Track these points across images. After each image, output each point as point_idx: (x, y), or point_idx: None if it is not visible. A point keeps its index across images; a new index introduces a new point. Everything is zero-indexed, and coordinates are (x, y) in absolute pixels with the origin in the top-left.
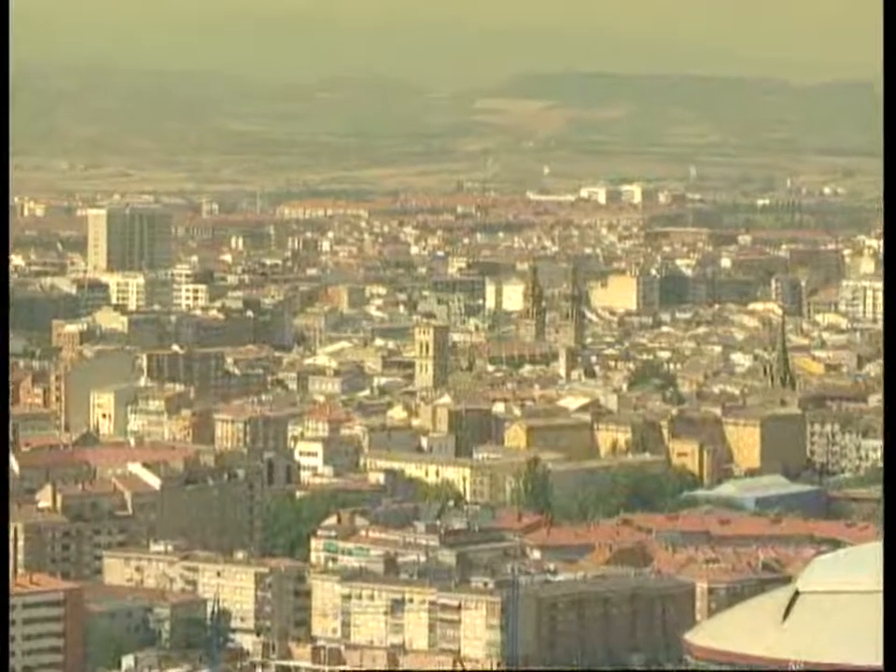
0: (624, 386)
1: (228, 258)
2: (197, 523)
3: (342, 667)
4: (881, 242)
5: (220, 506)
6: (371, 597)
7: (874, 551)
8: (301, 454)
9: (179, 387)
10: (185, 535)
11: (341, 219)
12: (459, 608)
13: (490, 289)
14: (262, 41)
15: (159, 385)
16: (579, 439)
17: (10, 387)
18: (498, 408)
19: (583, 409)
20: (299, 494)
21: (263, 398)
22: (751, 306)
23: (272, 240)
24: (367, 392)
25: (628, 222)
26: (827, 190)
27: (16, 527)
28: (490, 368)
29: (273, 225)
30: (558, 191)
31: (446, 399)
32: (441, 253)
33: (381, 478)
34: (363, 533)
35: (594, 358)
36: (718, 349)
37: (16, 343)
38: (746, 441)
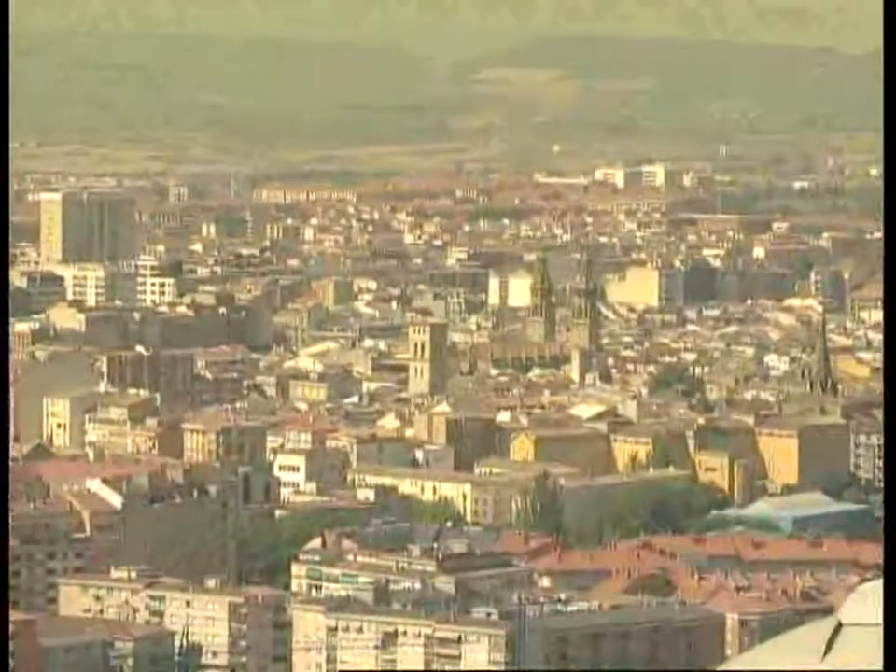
0: (645, 392)
1: (198, 247)
2: (164, 546)
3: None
4: None
5: (190, 527)
6: (360, 630)
7: None
8: (280, 468)
9: (144, 393)
10: (150, 559)
11: (325, 204)
12: (459, 641)
13: (494, 283)
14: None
15: (120, 391)
16: (593, 451)
17: (10, 388)
18: (503, 417)
19: (599, 418)
20: (278, 513)
21: (238, 405)
22: (788, 302)
23: (248, 227)
24: (355, 399)
25: (649, 207)
26: (874, 172)
27: None
28: (493, 371)
29: (250, 210)
30: (570, 173)
31: (444, 406)
32: (438, 242)
33: (371, 495)
34: (351, 557)
35: (610, 361)
36: (750, 350)
37: None
38: (782, 454)
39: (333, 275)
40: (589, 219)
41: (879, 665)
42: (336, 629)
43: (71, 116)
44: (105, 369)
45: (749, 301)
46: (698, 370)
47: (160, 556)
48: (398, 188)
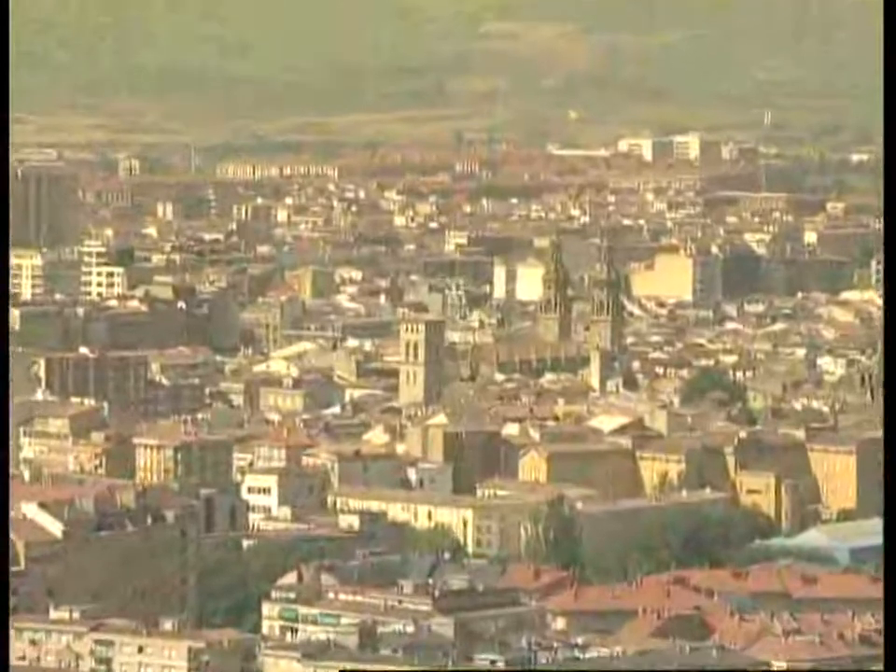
0: (676, 401)
1: (153, 231)
2: (112, 581)
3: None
4: None
5: (143, 559)
6: None
7: None
8: (249, 490)
9: (89, 402)
10: (96, 597)
11: (302, 181)
12: None
13: (499, 273)
14: None
15: (62, 400)
16: (616, 470)
17: (10, 388)
18: (510, 430)
19: (622, 431)
20: (247, 543)
21: (200, 416)
22: (845, 295)
23: (211, 208)
24: (336, 409)
25: (681, 184)
26: None
27: None
28: (499, 376)
29: (213, 188)
30: (589, 144)
31: (441, 417)
32: (434, 225)
33: (355, 522)
34: (332, 595)
35: (636, 364)
36: (800, 352)
37: None
38: (838, 474)
39: (311, 264)
40: (611, 198)
41: None
42: None
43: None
44: (42, 373)
45: (800, 295)
46: (739, 374)
47: (107, 594)
48: (386, 161)
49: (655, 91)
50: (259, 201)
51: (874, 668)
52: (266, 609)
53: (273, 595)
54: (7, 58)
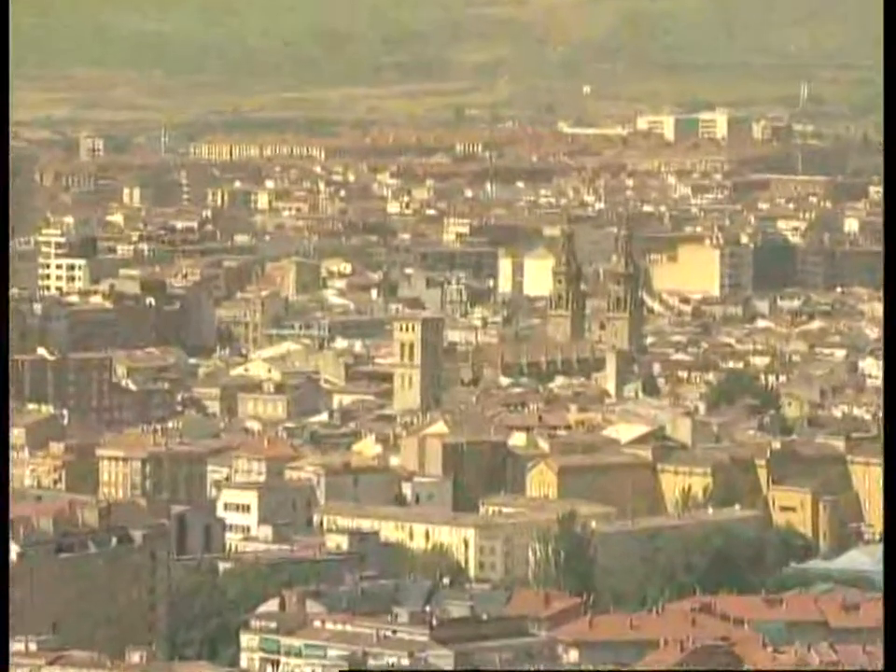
0: (702, 408)
1: (118, 218)
2: (73, 609)
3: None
4: None
5: (107, 584)
6: None
7: None
8: (226, 507)
9: (47, 409)
10: (55, 627)
11: (285, 162)
12: None
13: (505, 265)
14: None
15: (17, 407)
16: (635, 485)
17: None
18: (517, 440)
19: (641, 441)
20: (223, 566)
21: (171, 425)
22: None
23: (183, 193)
24: (323, 416)
25: (708, 166)
26: None
27: None
28: (504, 381)
29: (186, 171)
30: (604, 122)
31: (440, 426)
32: (432, 212)
33: (343, 543)
34: (318, 624)
35: (656, 367)
36: (840, 353)
37: None
38: (882, 490)
39: (295, 255)
40: (629, 182)
41: None
42: None
43: None
44: None
45: (839, 290)
46: (772, 378)
47: (68, 623)
48: (379, 140)
49: (678, 63)
50: (237, 185)
51: (874, 669)
52: (245, 639)
53: (253, 624)
54: (7, 58)
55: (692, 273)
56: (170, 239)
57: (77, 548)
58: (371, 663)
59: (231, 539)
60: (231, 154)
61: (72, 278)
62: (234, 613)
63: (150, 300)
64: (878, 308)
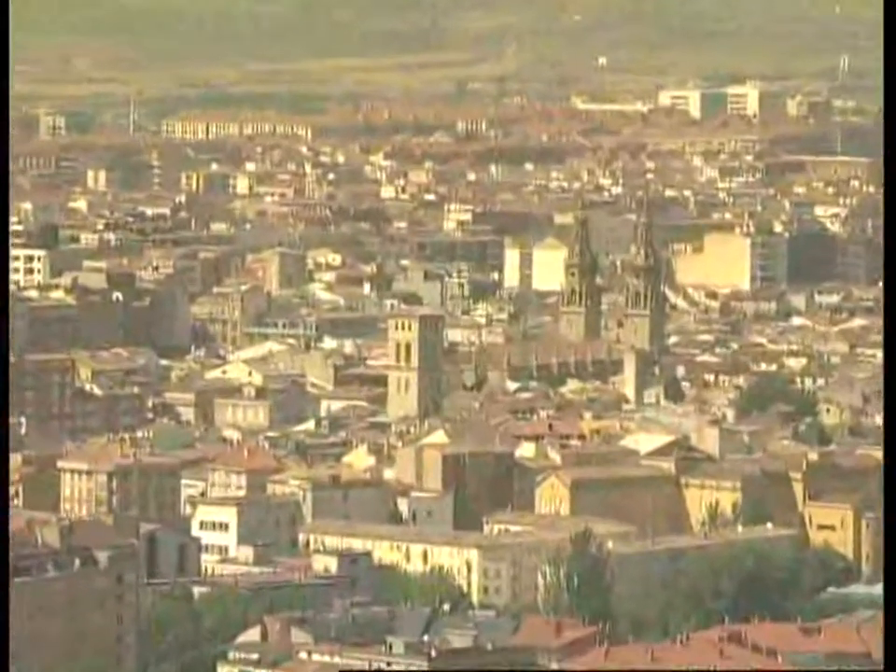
0: (731, 415)
1: (82, 204)
2: (32, 639)
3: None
4: None
5: (70, 611)
6: None
7: None
8: (202, 526)
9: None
10: (13, 658)
11: (267, 142)
12: None
13: (512, 256)
14: None
15: None
16: (656, 501)
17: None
18: (526, 451)
19: (663, 452)
20: (199, 591)
21: (140, 434)
22: None
23: (154, 176)
24: (309, 424)
25: (738, 146)
26: None
27: None
28: (511, 385)
29: (157, 151)
30: (622, 97)
31: (439, 435)
32: (430, 197)
33: (332, 565)
34: (304, 655)
35: (680, 370)
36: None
37: None
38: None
39: (278, 245)
40: (650, 164)
41: None
42: None
43: None
44: None
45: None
46: (808, 382)
47: (25, 656)
48: (372, 118)
49: (704, 31)
50: (214, 167)
51: (874, 668)
52: None
53: (232, 655)
54: (7, 58)
55: (719, 266)
56: (139, 227)
57: (36, 571)
58: None
59: (208, 560)
60: (206, 133)
61: (30, 271)
62: (211, 644)
63: (117, 295)
64: None
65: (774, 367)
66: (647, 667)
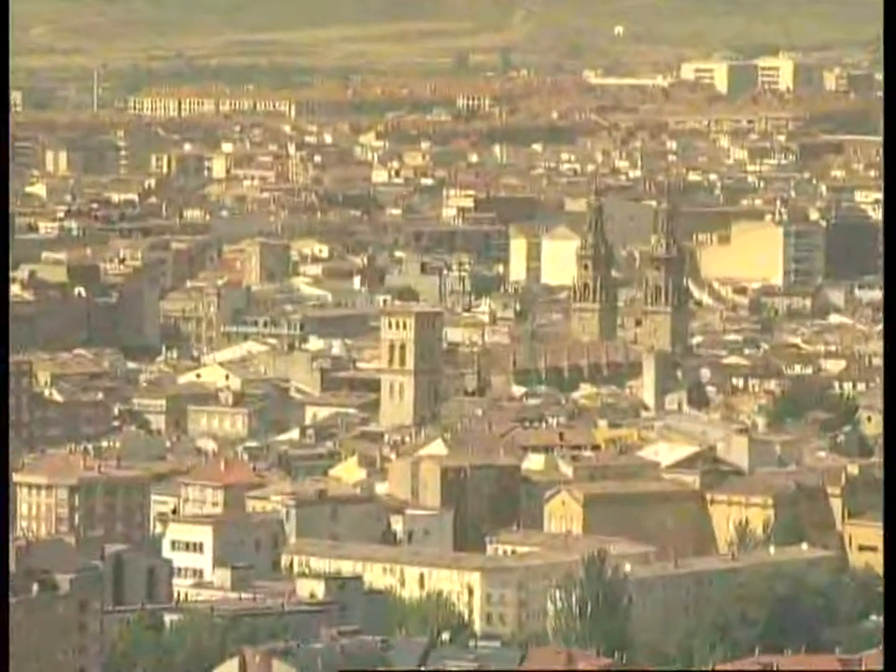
0: (761, 424)
1: (40, 190)
2: None
3: None
4: None
5: (27, 640)
6: None
7: None
8: (174, 547)
9: None
10: None
11: (247, 120)
12: None
13: (518, 247)
14: None
15: None
16: (679, 519)
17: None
18: (533, 463)
19: (687, 464)
20: (170, 619)
21: (105, 444)
22: None
23: (121, 157)
24: (293, 434)
25: (769, 125)
26: None
27: None
28: (517, 390)
29: (124, 130)
30: (641, 70)
31: (437, 446)
32: (427, 181)
33: (319, 589)
34: None
35: (705, 373)
36: None
37: None
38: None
39: (259, 235)
40: (671, 144)
41: None
42: None
43: None
44: None
45: None
46: (847, 387)
47: None
48: (364, 93)
49: None
50: (188, 148)
51: (874, 668)
52: None
53: None
54: (6, 58)
55: (749, 257)
56: (104, 215)
57: None
58: None
59: (180, 585)
60: (179, 110)
61: None
62: None
63: (80, 290)
64: None
65: (809, 370)
66: None
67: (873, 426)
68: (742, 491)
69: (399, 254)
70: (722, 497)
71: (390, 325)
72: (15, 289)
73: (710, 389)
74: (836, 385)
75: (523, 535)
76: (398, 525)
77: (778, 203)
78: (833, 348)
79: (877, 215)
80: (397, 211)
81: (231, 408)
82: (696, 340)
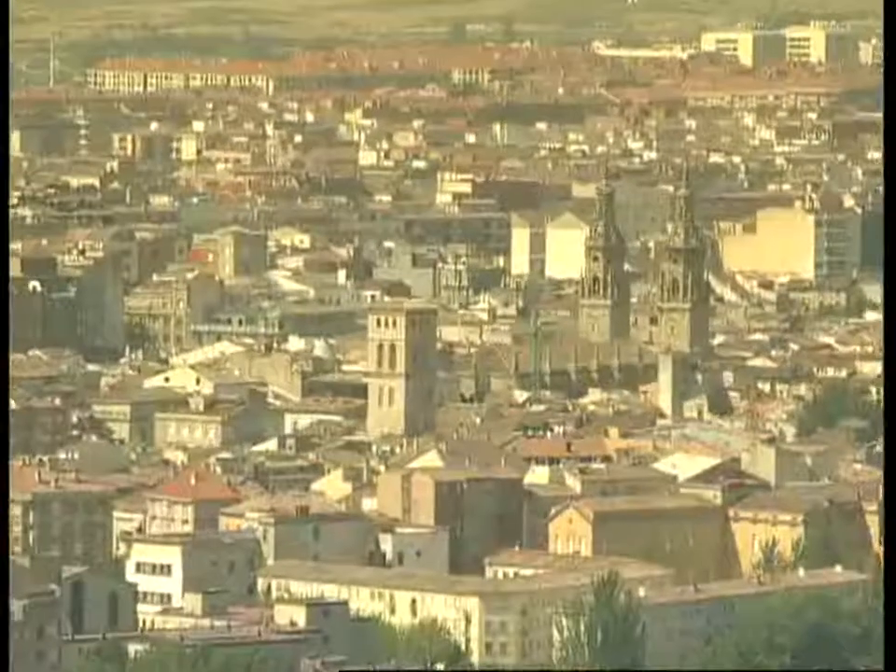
0: (790, 433)
1: None
2: None
3: None
4: None
5: None
6: None
7: None
8: (139, 569)
9: None
10: None
11: (220, 95)
12: None
13: (520, 237)
14: None
15: None
16: (699, 538)
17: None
18: (538, 476)
19: (708, 478)
20: (135, 649)
21: (63, 455)
22: None
23: (79, 138)
24: (271, 444)
25: (799, 101)
26: None
27: None
28: (520, 395)
29: (83, 107)
30: (657, 40)
31: (432, 457)
32: (420, 164)
33: (300, 616)
34: None
35: (728, 376)
36: None
37: None
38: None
39: (233, 224)
40: (690, 122)
41: None
42: None
43: None
44: None
45: None
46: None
47: None
48: (348, 65)
49: None
50: (154, 127)
51: (874, 668)
52: None
53: None
54: (6, 58)
55: (776, 248)
56: (62, 201)
57: None
58: None
59: (146, 611)
60: (144, 84)
61: None
62: None
63: (35, 284)
64: None
65: (843, 373)
66: None
67: None
68: (769, 507)
69: (388, 244)
70: (747, 515)
71: (378, 323)
72: None
73: (733, 394)
74: (872, 390)
75: (526, 556)
76: (387, 544)
77: (809, 187)
78: (869, 349)
79: None
80: (386, 197)
81: (202, 415)
82: (718, 340)
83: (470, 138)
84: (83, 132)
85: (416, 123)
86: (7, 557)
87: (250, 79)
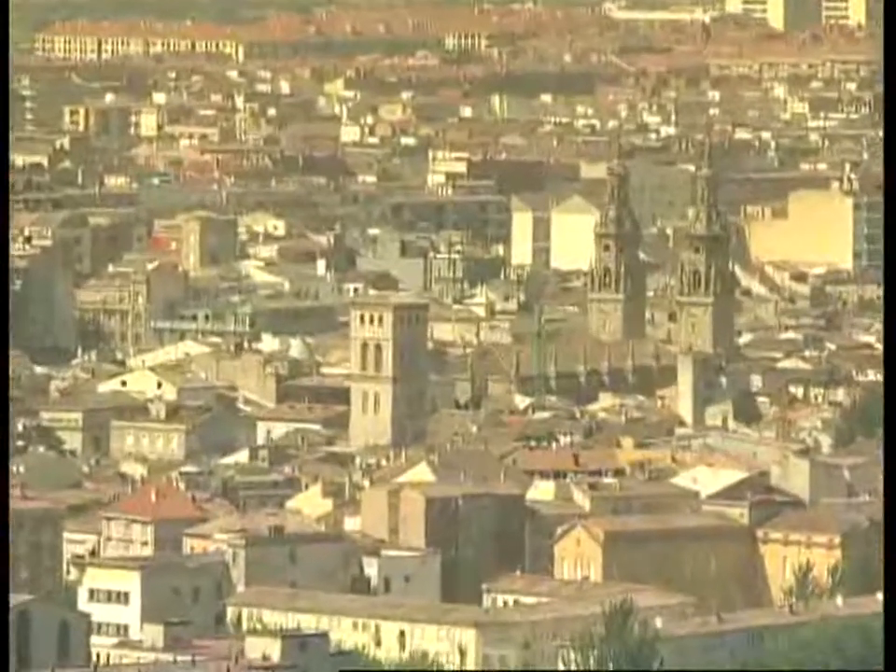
0: (826, 443)
1: None
2: None
3: None
4: None
5: None
6: None
7: None
8: (93, 596)
9: None
10: None
11: (183, 63)
12: None
13: (522, 222)
14: None
15: None
16: (724, 562)
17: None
18: (542, 492)
19: (733, 494)
20: None
21: (13, 468)
22: None
23: (26, 111)
24: (242, 456)
25: (836, 71)
26: None
27: None
28: (522, 401)
29: (31, 77)
30: (676, 1)
31: (422, 470)
32: (409, 141)
33: (274, 649)
34: None
35: (756, 380)
36: None
37: None
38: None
39: (199, 208)
40: (713, 94)
41: None
42: None
43: None
44: None
45: None
46: None
47: None
48: (328, 30)
49: None
50: (110, 98)
51: (874, 668)
52: None
53: None
54: (6, 58)
55: (810, 236)
56: (6, 182)
57: None
58: None
59: (100, 644)
60: (98, 51)
61: None
62: None
63: None
64: None
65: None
66: None
67: None
68: (802, 527)
69: (373, 231)
70: (777, 536)
71: (362, 320)
72: None
73: (762, 400)
74: None
75: (528, 581)
76: (372, 569)
77: (847, 167)
78: None
79: None
80: (371, 178)
81: (163, 423)
82: (745, 338)
83: (466, 112)
84: (29, 104)
85: (405, 95)
86: (8, 557)
87: (218, 45)
